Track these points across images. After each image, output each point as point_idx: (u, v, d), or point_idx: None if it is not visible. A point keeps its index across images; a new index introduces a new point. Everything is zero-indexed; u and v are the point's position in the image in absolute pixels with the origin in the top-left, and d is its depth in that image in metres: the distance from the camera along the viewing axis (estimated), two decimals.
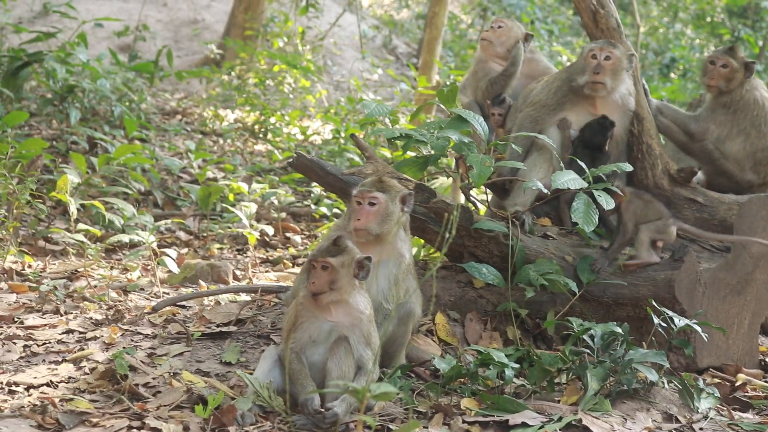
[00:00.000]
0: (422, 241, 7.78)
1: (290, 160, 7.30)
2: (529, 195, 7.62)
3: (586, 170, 7.05)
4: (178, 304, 7.58)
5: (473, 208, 7.60)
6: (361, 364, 5.62)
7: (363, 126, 14.71)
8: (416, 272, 6.73)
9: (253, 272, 9.39)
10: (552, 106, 7.78)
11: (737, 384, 7.09)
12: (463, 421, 5.68)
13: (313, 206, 12.42)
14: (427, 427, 5.56)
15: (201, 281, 8.64)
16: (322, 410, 5.37)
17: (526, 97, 8.01)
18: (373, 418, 5.27)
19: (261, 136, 16.34)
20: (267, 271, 9.58)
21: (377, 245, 6.23)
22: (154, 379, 5.93)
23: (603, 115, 7.64)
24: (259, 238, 10.86)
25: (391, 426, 5.46)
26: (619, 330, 6.25)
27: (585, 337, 6.28)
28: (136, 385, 5.78)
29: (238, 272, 9.29)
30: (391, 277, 6.26)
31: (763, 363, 7.81)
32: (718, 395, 6.48)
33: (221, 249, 10.59)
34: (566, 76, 7.81)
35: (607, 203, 6.91)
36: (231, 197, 11.43)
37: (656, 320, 6.45)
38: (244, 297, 7.84)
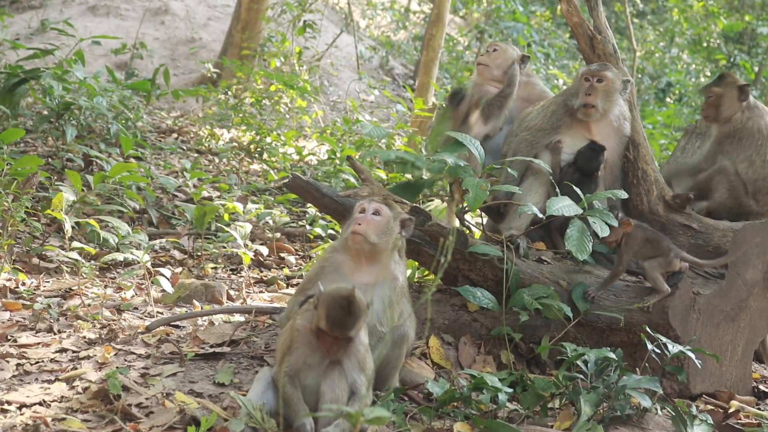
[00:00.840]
0: (416, 263, 7.77)
1: (286, 180, 7.30)
2: (525, 219, 7.64)
3: (581, 196, 7.07)
4: (171, 324, 7.57)
5: (468, 231, 7.60)
6: (354, 389, 5.61)
7: (359, 147, 14.75)
8: (410, 295, 6.74)
9: (247, 292, 9.37)
10: (547, 130, 7.81)
11: (730, 411, 7.09)
12: None
13: (308, 227, 12.40)
14: None
15: (195, 301, 8.61)
16: None
17: (522, 121, 8.03)
18: None
19: (257, 155, 16.33)
20: (261, 292, 9.56)
21: (372, 264, 6.24)
22: (147, 399, 5.92)
23: (593, 141, 7.66)
24: (253, 258, 10.84)
25: None
26: (613, 356, 6.25)
27: (579, 362, 6.29)
28: (129, 405, 5.77)
29: (232, 292, 9.27)
30: (385, 300, 6.25)
31: (756, 390, 7.82)
32: (711, 422, 6.46)
33: (215, 268, 10.56)
34: (561, 99, 7.85)
35: (602, 230, 6.93)
36: (226, 217, 11.41)
37: (650, 346, 6.46)
38: (238, 318, 7.83)
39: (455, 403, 6.19)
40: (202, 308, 8.35)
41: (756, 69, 25.51)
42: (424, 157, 7.17)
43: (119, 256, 9.23)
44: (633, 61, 21.56)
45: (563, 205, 6.99)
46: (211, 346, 6.96)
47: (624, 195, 7.30)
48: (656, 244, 7.10)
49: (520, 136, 7.90)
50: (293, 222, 12.74)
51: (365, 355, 5.69)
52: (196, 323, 7.68)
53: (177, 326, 7.61)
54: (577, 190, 7.14)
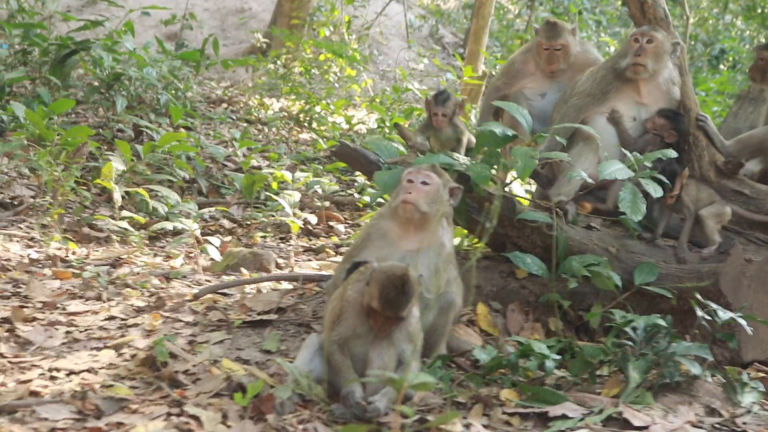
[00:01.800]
0: (465, 231, 7.73)
1: (333, 148, 7.28)
2: (574, 185, 7.57)
3: (631, 159, 6.98)
4: (219, 291, 7.58)
5: (517, 198, 7.53)
6: (402, 358, 5.56)
7: (408, 115, 14.70)
8: (458, 262, 6.69)
9: (295, 260, 9.38)
10: (597, 95, 7.73)
11: None
12: (503, 412, 5.64)
13: (356, 195, 12.40)
14: (466, 418, 5.51)
15: (243, 269, 8.63)
16: (364, 403, 5.34)
17: (572, 88, 7.96)
18: (412, 409, 5.23)
19: (306, 125, 16.34)
20: (309, 260, 9.57)
21: (419, 232, 6.21)
22: (194, 366, 5.93)
23: (668, 110, 7.55)
24: (302, 226, 10.85)
25: (428, 417, 5.42)
26: (663, 322, 6.18)
27: (627, 329, 6.22)
28: (176, 372, 5.78)
29: (280, 261, 9.28)
30: (431, 267, 6.22)
31: None
32: (763, 389, 6.39)
33: (264, 237, 10.58)
34: (610, 64, 7.79)
35: (655, 191, 6.84)
36: (275, 185, 11.43)
37: (700, 313, 6.38)
38: (286, 285, 7.83)
39: (502, 370, 6.13)
40: (250, 276, 8.36)
41: None
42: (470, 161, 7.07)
43: (168, 225, 9.28)
44: (686, 28, 21.33)
45: (615, 169, 6.90)
46: (258, 314, 6.96)
47: (674, 154, 7.19)
48: (709, 192, 7.08)
49: (570, 102, 7.82)
50: (342, 190, 12.74)
51: (415, 327, 5.64)
52: (243, 291, 7.69)
53: (225, 294, 7.62)
54: (627, 153, 7.03)
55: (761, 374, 7.08)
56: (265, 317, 6.86)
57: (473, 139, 7.38)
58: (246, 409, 5.32)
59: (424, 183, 6.20)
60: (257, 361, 6.14)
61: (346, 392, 5.41)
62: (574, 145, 7.71)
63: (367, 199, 11.92)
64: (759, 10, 27.78)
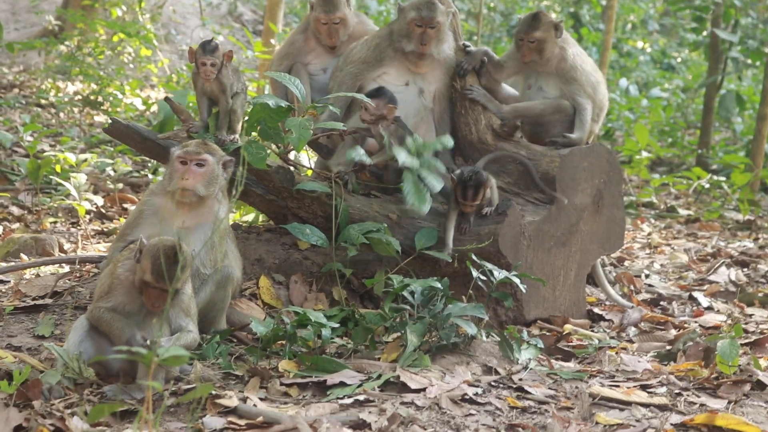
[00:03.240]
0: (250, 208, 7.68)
1: (107, 127, 7.10)
2: None
3: (411, 144, 7.00)
4: None
5: (295, 169, 7.48)
6: (180, 331, 5.50)
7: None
8: (238, 236, 6.62)
9: (84, 244, 9.15)
10: (371, 63, 7.72)
11: (564, 334, 7.17)
12: (281, 384, 5.61)
13: (150, 176, 12.19)
14: (242, 392, 5.46)
15: (23, 255, 8.38)
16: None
17: (347, 56, 7.92)
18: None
19: (100, 107, 15.98)
20: (98, 243, 9.36)
21: (194, 209, 6.13)
22: None
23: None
24: (95, 210, 10.61)
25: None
26: (439, 285, 6.23)
27: (405, 293, 6.25)
28: None
29: (69, 245, 9.04)
30: (208, 242, 6.14)
31: (590, 313, 7.91)
32: (541, 346, 6.51)
33: (55, 223, 10.30)
34: (386, 34, 7.76)
35: (437, 184, 6.90)
36: (58, 168, 11.11)
37: (475, 274, 6.46)
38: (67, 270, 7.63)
39: (281, 342, 6.10)
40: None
41: (603, 2, 25.78)
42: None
43: None
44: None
45: (404, 158, 6.92)
46: (33, 299, 6.75)
47: (451, 143, 7.25)
48: None
49: (345, 70, 7.79)
50: (136, 171, 12.50)
51: (189, 303, 5.57)
52: (21, 277, 7.46)
53: (0, 281, 7.38)
54: (410, 141, 7.05)
55: (544, 332, 7.24)
56: (40, 302, 6.65)
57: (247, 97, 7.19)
58: (12, 396, 5.15)
59: (199, 165, 6.10)
60: (29, 347, 5.95)
61: (128, 338, 5.34)
62: (352, 114, 7.69)
63: (159, 178, 11.71)
64: None
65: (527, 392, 5.70)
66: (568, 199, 7.49)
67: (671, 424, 5.24)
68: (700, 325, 7.65)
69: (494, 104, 7.82)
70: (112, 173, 11.77)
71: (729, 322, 7.59)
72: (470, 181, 7.02)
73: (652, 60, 29.30)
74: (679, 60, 29.66)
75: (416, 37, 7.58)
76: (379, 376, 5.69)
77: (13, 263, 8.01)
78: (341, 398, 5.42)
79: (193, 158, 6.09)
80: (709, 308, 8.35)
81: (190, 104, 11.70)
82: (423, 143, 7.07)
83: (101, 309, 5.44)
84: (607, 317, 7.86)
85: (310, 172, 7.81)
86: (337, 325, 6.14)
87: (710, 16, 17.45)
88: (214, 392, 5.30)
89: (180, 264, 5.29)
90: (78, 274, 7.28)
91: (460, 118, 7.83)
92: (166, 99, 7.14)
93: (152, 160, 12.26)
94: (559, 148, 7.68)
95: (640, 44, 30.19)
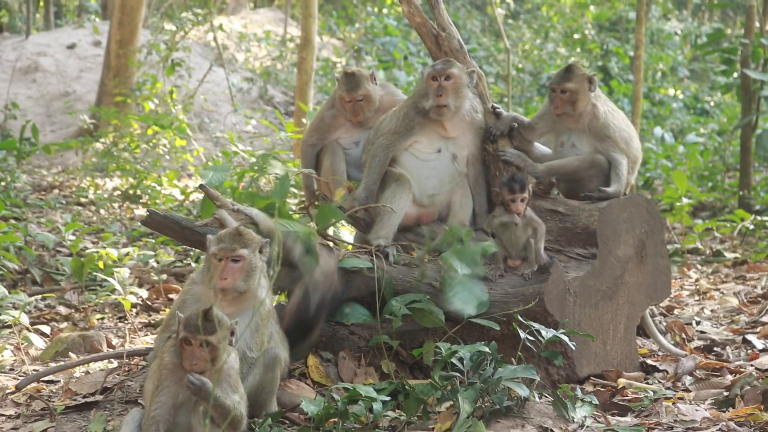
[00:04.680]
0: None
1: (145, 219, 7.14)
2: (392, 227, 7.55)
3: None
4: (43, 380, 7.34)
5: (334, 245, 7.49)
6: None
7: (241, 178, 14.59)
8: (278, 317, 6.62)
9: (132, 338, 9.17)
10: (402, 133, 7.73)
11: (619, 389, 7.08)
12: None
13: (193, 264, 12.23)
14: None
15: (72, 354, 8.40)
16: None
17: (377, 129, 7.94)
18: None
19: (139, 200, 16.12)
20: (146, 335, 9.37)
21: (238, 296, 6.12)
22: None
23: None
24: (140, 303, 10.65)
25: None
26: (487, 349, 6.19)
27: (454, 360, 6.21)
28: None
29: (117, 340, 9.07)
30: (252, 325, 6.12)
31: (644, 365, 7.81)
32: (596, 402, 6.44)
33: (102, 319, 10.34)
34: (411, 102, 7.78)
35: (461, 268, 6.97)
36: (101, 264, 11.17)
37: (523, 334, 6.41)
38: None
39: (334, 420, 6.06)
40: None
41: (630, 54, 25.82)
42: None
43: None
44: (508, 61, 21.73)
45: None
46: (84, 397, 6.76)
47: (494, 249, 7.25)
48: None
49: (377, 143, 7.80)
50: (179, 261, 12.55)
51: (236, 379, 5.55)
52: (71, 376, 7.47)
53: (50, 382, 7.39)
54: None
55: (599, 388, 7.16)
56: (90, 399, 6.66)
57: None
58: None
59: (235, 260, 6.09)
60: None
61: None
62: (387, 186, 7.69)
63: (201, 266, 11.74)
64: (576, 36, 28.51)
65: None
66: (610, 252, 7.44)
67: None
68: (756, 368, 7.55)
69: (528, 163, 7.80)
70: (155, 265, 11.83)
71: None
72: (514, 177, 7.23)
73: (685, 106, 29.30)
74: (712, 104, 29.61)
75: (432, 92, 7.62)
76: None
77: (62, 363, 8.03)
78: None
79: (229, 255, 6.07)
80: (764, 350, 8.22)
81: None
82: (463, 247, 7.11)
83: (151, 425, 5.41)
84: (661, 368, 7.76)
85: (350, 247, 7.82)
86: (388, 398, 6.09)
87: (739, 57, 17.38)
88: None
89: (210, 317, 5.31)
90: (127, 368, 7.28)
91: (495, 180, 7.82)
92: (201, 186, 7.17)
93: (194, 249, 12.32)
94: (596, 201, 7.66)
95: (671, 91, 30.20)
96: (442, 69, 7.62)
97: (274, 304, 6.61)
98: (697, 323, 9.34)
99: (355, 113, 8.20)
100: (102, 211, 15.86)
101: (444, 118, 7.64)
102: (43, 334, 9.30)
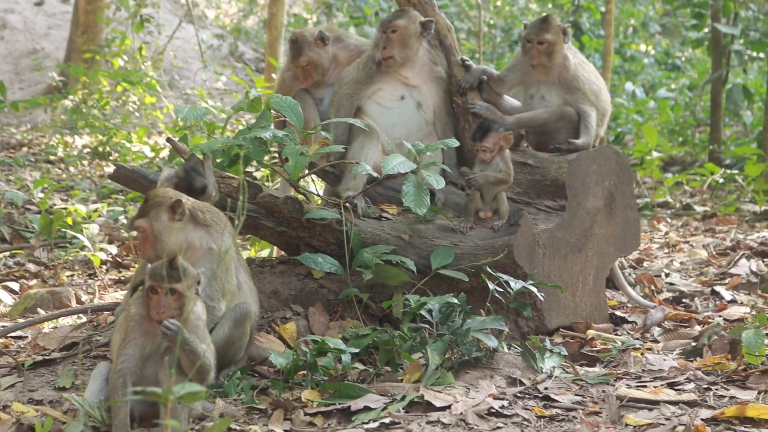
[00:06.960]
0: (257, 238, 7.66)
1: (112, 174, 7.09)
2: (360, 179, 7.53)
3: (411, 149, 7.02)
4: (11, 335, 7.31)
5: (304, 198, 7.46)
6: None
7: (212, 132, 14.49)
8: (253, 271, 6.58)
9: (101, 294, 9.14)
10: (364, 81, 7.78)
11: (587, 340, 7.11)
12: (305, 414, 5.56)
13: None
14: (267, 425, 5.42)
15: (40, 310, 8.36)
16: None
17: (341, 81, 7.95)
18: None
19: (109, 157, 16.02)
20: (116, 292, 9.34)
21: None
22: None
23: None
24: (110, 260, 10.60)
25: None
26: (456, 300, 6.19)
27: (423, 312, 6.21)
28: None
29: (87, 297, 9.03)
30: (207, 273, 5.97)
31: (613, 317, 7.84)
32: (565, 353, 6.47)
33: (72, 275, 10.29)
34: (370, 51, 7.83)
35: (438, 182, 6.90)
36: (70, 221, 11.11)
37: (492, 286, 6.42)
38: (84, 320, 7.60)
39: (303, 372, 6.06)
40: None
41: (602, 9, 25.77)
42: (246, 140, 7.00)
43: None
44: (479, 17, 21.68)
45: (397, 163, 6.92)
46: (52, 351, 6.73)
47: (455, 143, 7.28)
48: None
49: (340, 93, 7.83)
50: None
51: (204, 330, 5.52)
52: (39, 331, 7.44)
53: (18, 337, 7.36)
54: (407, 144, 7.09)
55: (567, 339, 7.18)
56: (58, 354, 6.63)
57: None
58: None
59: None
60: (50, 400, 5.92)
61: None
62: (355, 137, 7.69)
63: None
64: None
65: (554, 400, 5.66)
66: (579, 204, 7.44)
67: (702, 419, 5.18)
68: (724, 319, 7.59)
69: (498, 116, 7.77)
70: (125, 222, 11.77)
71: (753, 312, 7.53)
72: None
73: (656, 62, 29.29)
74: (683, 59, 29.60)
75: (381, 42, 7.64)
76: (403, 398, 5.66)
77: (30, 318, 7.99)
78: (367, 423, 5.39)
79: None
80: (732, 301, 8.28)
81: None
82: (426, 145, 7.09)
83: (118, 377, 5.37)
84: (630, 319, 7.80)
85: (320, 201, 7.79)
86: (355, 350, 6.09)
87: (710, 12, 17.36)
88: (238, 427, 5.27)
89: (174, 265, 5.30)
90: (95, 323, 7.25)
91: (465, 133, 7.81)
92: (168, 140, 7.14)
93: None
94: (565, 154, 7.65)
95: (642, 47, 30.17)
96: (389, 21, 7.67)
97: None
98: (666, 275, 9.39)
99: (304, 77, 8.21)
100: (71, 169, 15.76)
101: (392, 69, 7.69)
102: (12, 291, 9.26)
